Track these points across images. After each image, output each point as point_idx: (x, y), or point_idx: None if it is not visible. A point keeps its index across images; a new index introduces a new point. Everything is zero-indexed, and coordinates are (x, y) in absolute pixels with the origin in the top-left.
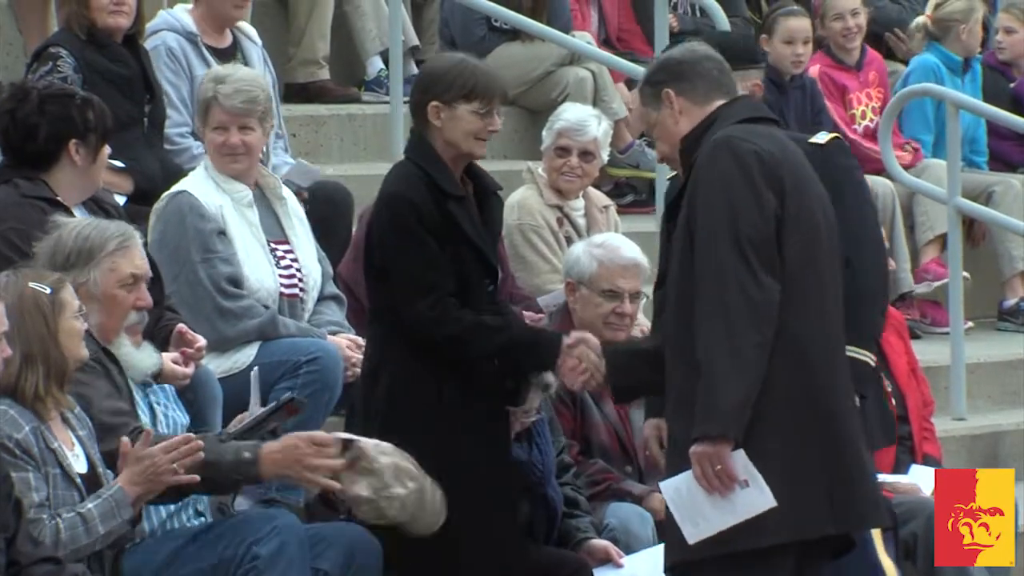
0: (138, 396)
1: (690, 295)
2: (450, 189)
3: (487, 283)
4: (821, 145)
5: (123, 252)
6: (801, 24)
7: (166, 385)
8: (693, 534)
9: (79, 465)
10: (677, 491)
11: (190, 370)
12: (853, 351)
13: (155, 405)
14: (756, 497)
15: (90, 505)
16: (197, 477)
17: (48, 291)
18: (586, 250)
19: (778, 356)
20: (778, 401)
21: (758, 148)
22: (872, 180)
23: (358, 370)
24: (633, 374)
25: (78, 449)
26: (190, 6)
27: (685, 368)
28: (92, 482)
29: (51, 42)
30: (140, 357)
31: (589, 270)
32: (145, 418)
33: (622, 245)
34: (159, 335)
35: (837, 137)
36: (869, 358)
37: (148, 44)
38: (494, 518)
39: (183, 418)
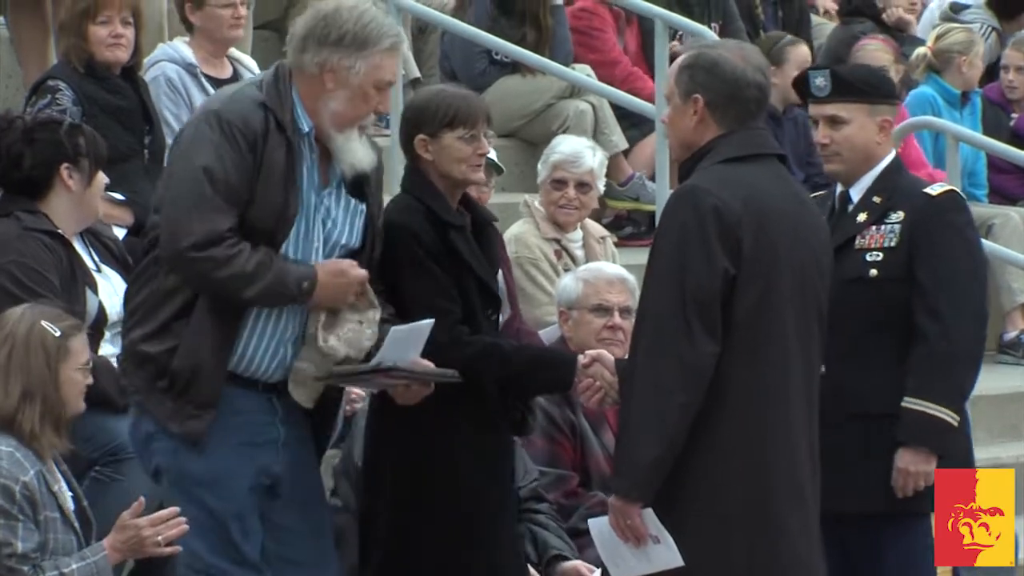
0: (308, 189)
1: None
2: (449, 218)
3: (490, 312)
4: (932, 196)
5: (392, 54)
6: (807, 51)
7: (354, 200)
8: (615, 573)
9: (67, 502)
10: (601, 532)
11: None
12: (933, 408)
13: (322, 206)
14: (666, 554)
15: (74, 566)
16: (179, 549)
17: (57, 333)
18: (572, 277)
19: (717, 410)
20: (709, 455)
21: (719, 203)
22: None
23: (357, 405)
24: None
25: (63, 484)
26: (188, 39)
27: None
28: (80, 517)
29: (50, 75)
30: (361, 152)
31: (576, 292)
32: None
33: (604, 265)
34: None
35: (952, 190)
36: (951, 417)
37: (147, 75)
38: (497, 544)
39: (351, 240)
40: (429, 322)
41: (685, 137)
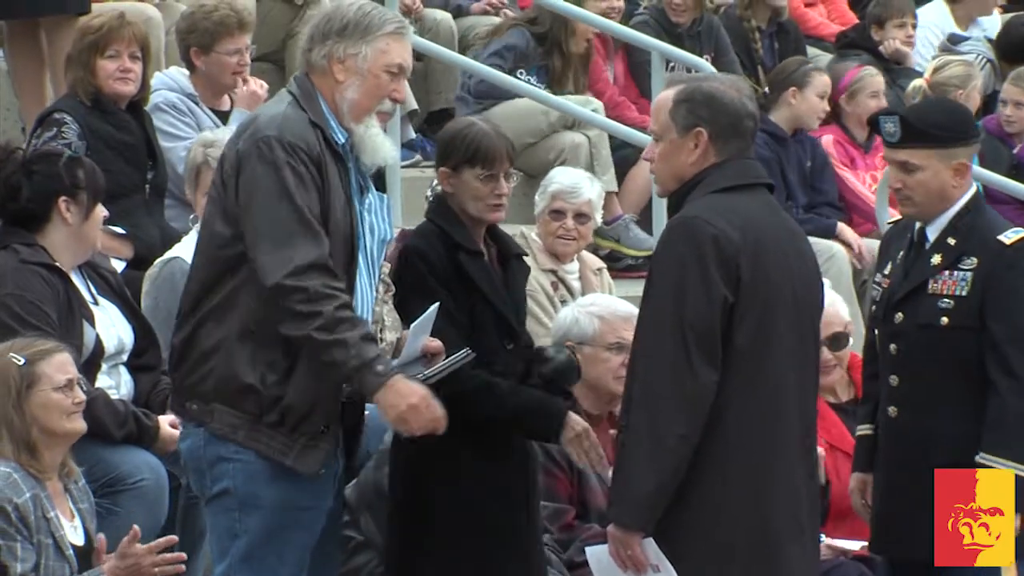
0: (355, 198)
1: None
2: (464, 243)
3: (506, 342)
4: (1006, 245)
5: (398, 38)
6: (828, 81)
7: (384, 195)
8: None
9: (76, 537)
10: (599, 561)
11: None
12: (1009, 464)
13: (365, 213)
14: None
15: None
16: None
17: (21, 362)
18: (581, 311)
19: (718, 439)
20: (715, 484)
21: (718, 232)
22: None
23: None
24: None
25: (77, 521)
26: (185, 70)
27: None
28: (88, 556)
29: (56, 107)
30: (383, 142)
31: (591, 328)
32: (365, 224)
33: (614, 300)
34: (156, 399)
35: None
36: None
37: (150, 101)
38: (509, 570)
39: (388, 233)
40: (436, 306)
41: (682, 171)
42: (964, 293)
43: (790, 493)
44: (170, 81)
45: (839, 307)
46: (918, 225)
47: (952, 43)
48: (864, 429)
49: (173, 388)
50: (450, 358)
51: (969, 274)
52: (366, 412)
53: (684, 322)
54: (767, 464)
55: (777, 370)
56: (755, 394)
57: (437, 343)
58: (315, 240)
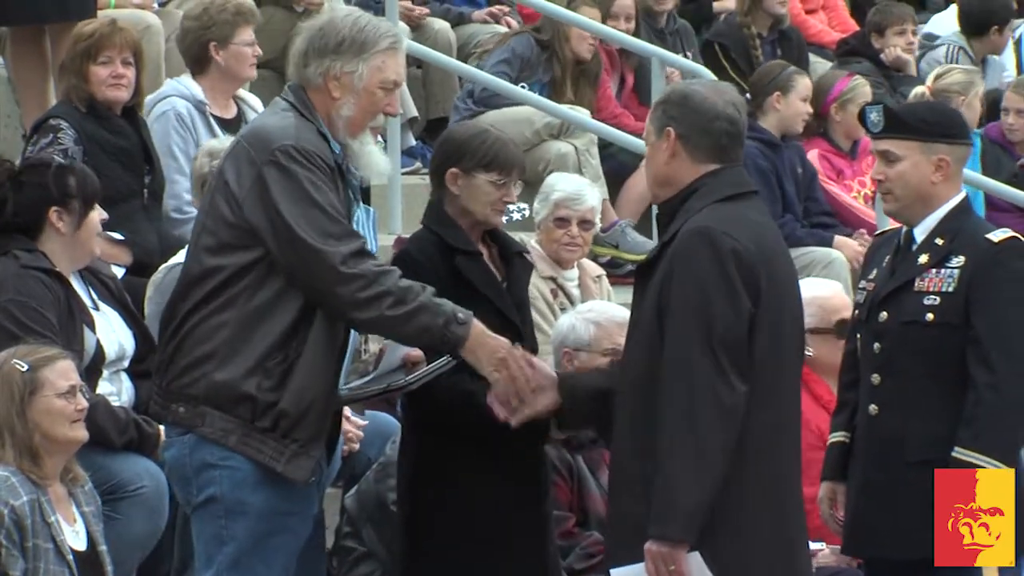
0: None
1: (653, 386)
2: (460, 245)
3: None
4: (994, 243)
5: (392, 54)
6: (810, 83)
7: (371, 209)
8: None
9: (78, 542)
10: None
11: None
12: (984, 460)
13: (355, 226)
14: None
15: None
16: None
17: (24, 368)
18: (577, 318)
19: (742, 450)
20: (734, 495)
21: (737, 245)
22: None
23: (355, 445)
24: (584, 415)
25: (79, 526)
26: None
27: (640, 451)
28: (90, 560)
29: (51, 114)
30: (379, 157)
31: (587, 334)
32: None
33: (610, 306)
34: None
35: (1014, 237)
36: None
37: (157, 109)
38: (518, 567)
39: (374, 246)
40: None
41: (659, 172)
42: (951, 289)
43: (799, 503)
44: (182, 88)
45: (844, 295)
46: (904, 229)
47: (930, 41)
48: (837, 437)
49: (157, 391)
50: (432, 365)
51: (956, 271)
52: (365, 421)
53: (714, 337)
54: (783, 475)
55: (786, 380)
56: (770, 404)
57: (418, 352)
58: (349, 232)
